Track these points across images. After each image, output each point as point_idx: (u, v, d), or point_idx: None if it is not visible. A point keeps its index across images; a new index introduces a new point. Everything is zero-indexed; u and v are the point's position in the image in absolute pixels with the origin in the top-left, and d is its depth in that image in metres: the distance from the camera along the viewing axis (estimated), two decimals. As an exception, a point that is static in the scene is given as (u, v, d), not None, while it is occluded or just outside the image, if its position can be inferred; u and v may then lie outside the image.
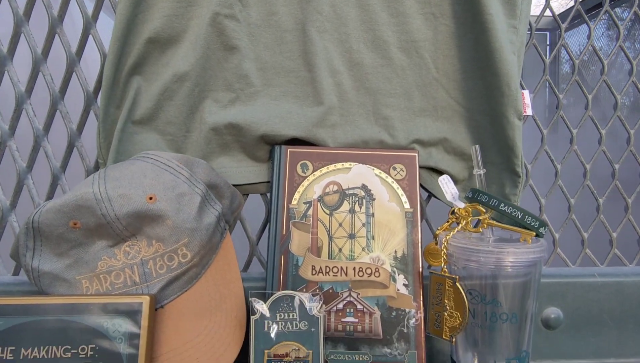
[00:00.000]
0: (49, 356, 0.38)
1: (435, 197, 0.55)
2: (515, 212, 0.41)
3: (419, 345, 0.46)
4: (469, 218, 0.45)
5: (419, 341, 0.46)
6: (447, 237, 0.44)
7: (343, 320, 0.47)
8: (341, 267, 0.48)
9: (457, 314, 0.43)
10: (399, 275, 0.48)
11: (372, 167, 0.51)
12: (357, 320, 0.47)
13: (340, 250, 0.49)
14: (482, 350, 0.43)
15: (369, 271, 0.48)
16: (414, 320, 0.47)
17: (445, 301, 0.44)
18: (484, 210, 0.45)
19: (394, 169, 0.51)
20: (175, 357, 0.42)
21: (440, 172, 0.54)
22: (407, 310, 0.47)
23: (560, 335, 0.53)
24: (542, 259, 0.42)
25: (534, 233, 0.42)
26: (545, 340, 0.52)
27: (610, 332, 0.53)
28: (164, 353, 0.42)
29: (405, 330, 0.46)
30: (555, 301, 0.53)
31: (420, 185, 0.54)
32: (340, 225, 0.49)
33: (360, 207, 0.50)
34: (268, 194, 0.54)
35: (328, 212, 0.50)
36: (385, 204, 0.50)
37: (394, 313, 0.47)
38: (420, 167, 0.53)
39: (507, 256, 0.40)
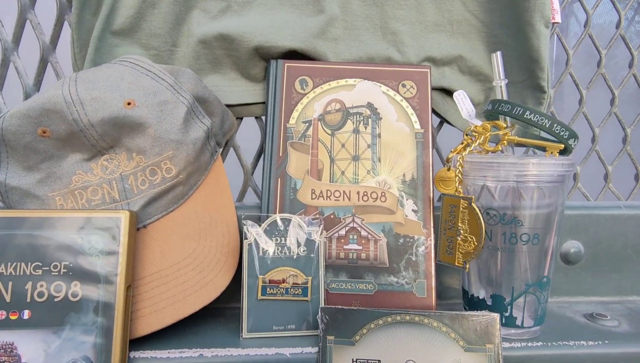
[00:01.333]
0: (17, 273, 0.34)
1: (448, 122, 0.50)
2: (542, 120, 0.36)
3: (428, 274, 0.42)
4: (488, 134, 0.40)
5: (429, 270, 0.42)
6: (463, 154, 0.40)
7: (345, 247, 0.43)
8: (344, 191, 0.44)
9: (471, 238, 0.39)
10: (407, 200, 0.43)
11: (379, 84, 0.46)
12: (360, 248, 0.43)
13: (342, 173, 0.44)
14: (499, 276, 0.39)
15: (374, 195, 0.43)
16: (423, 247, 0.43)
17: (459, 224, 0.40)
18: (505, 125, 0.40)
19: (404, 86, 0.46)
20: (160, 279, 0.38)
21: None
22: (416, 237, 0.43)
23: (580, 270, 0.49)
24: (570, 176, 0.37)
25: (562, 145, 0.37)
26: (564, 275, 0.49)
27: (634, 267, 0.49)
28: (147, 275, 0.38)
29: (413, 259, 0.42)
30: (575, 234, 0.49)
31: (432, 109, 0.49)
32: (343, 146, 0.45)
33: (366, 127, 0.45)
34: (263, 118, 0.49)
35: (330, 132, 0.45)
36: (393, 124, 0.45)
37: (401, 241, 0.43)
38: (433, 89, 0.48)
39: (532, 168, 0.36)
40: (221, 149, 0.46)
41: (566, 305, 0.47)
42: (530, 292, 0.38)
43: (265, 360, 0.36)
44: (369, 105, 0.45)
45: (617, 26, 0.53)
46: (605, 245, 0.49)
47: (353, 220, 0.43)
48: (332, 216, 0.43)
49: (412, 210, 0.43)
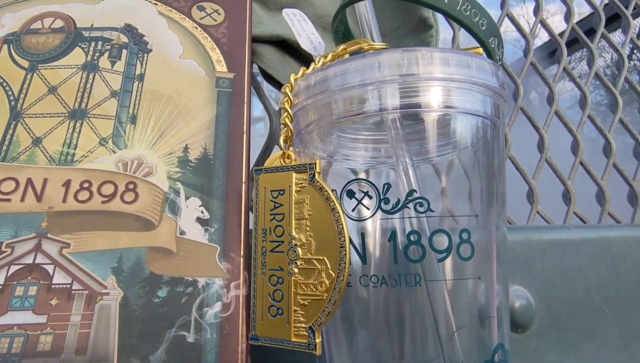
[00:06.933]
0: None
1: (268, 76, 0.29)
2: None
3: (227, 377, 0.16)
4: (348, 50, 0.20)
5: (231, 360, 0.17)
6: (295, 77, 0.19)
7: (1, 320, 0.15)
8: (28, 181, 0.18)
9: (321, 262, 0.16)
10: (188, 198, 0.19)
11: (154, 2, 0.25)
12: (42, 321, 0.16)
13: (36, 142, 0.19)
14: (389, 350, 0.15)
15: (108, 190, 0.19)
16: (218, 307, 0.17)
17: (293, 234, 0.16)
18: (372, 42, 0.21)
19: (201, 9, 0.26)
20: None
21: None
22: (203, 282, 0.18)
23: (536, 341, 0.27)
24: (503, 98, 0.18)
25: (479, 49, 0.18)
26: (514, 353, 0.26)
27: (609, 327, 0.29)
28: None
29: (189, 339, 0.17)
30: (516, 275, 0.28)
31: (265, 74, 0.29)
32: (52, 90, 0.21)
33: (113, 63, 0.22)
34: None
35: (27, 64, 0.21)
36: (174, 61, 0.23)
37: (162, 294, 0.17)
38: (261, 40, 0.28)
39: (427, 68, 0.15)
40: None
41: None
42: (472, 394, 0.15)
43: None
44: (127, 29, 0.23)
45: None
46: (562, 291, 0.29)
47: (38, 247, 0.17)
48: (-24, 238, 0.17)
49: (198, 219, 0.19)
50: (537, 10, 0.44)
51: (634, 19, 0.46)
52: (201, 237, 0.18)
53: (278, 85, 0.29)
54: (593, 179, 0.39)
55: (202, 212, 0.19)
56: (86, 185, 0.18)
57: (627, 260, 0.32)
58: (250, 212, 0.21)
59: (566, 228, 0.31)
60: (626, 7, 0.47)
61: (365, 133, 0.21)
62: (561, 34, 0.43)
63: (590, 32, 0.45)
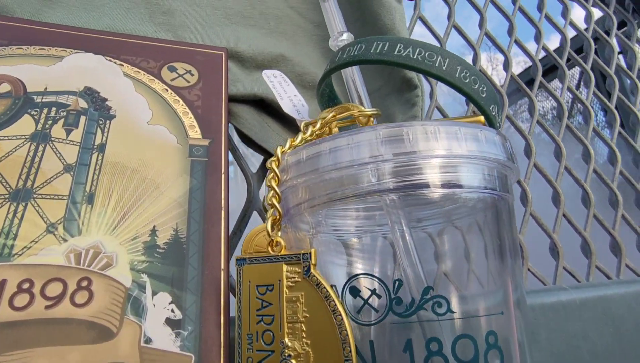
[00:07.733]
0: None
1: (267, 153, 0.28)
2: (431, 57, 0.16)
3: None
4: (329, 117, 0.18)
5: None
6: (282, 149, 0.16)
7: None
8: (-51, 285, 0.14)
9: (322, 379, 0.13)
10: (156, 294, 0.16)
11: (120, 62, 0.23)
12: None
13: (-35, 233, 0.16)
14: None
15: (54, 290, 0.15)
16: None
17: (286, 342, 0.14)
18: (362, 109, 0.19)
19: (172, 69, 0.23)
20: None
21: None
22: (173, 404, 0.14)
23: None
24: (511, 169, 0.16)
25: (480, 117, 0.17)
26: None
27: (622, 399, 0.27)
28: None
29: None
30: (521, 346, 0.26)
31: (242, 135, 0.27)
32: (-11, 168, 0.17)
33: (69, 131, 0.19)
34: None
35: (-40, 137, 0.18)
36: (140, 128, 0.20)
37: None
38: (237, 99, 0.27)
39: (433, 143, 0.14)
40: None
41: None
42: None
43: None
44: (87, 92, 0.21)
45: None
46: (570, 360, 0.27)
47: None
48: None
49: (168, 321, 0.16)
50: (506, 65, 0.45)
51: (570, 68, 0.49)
52: (171, 344, 0.15)
53: (257, 147, 0.27)
54: (577, 230, 0.38)
55: (172, 310, 0.16)
56: (26, 285, 0.15)
57: (628, 321, 0.30)
58: (232, 295, 0.18)
59: (564, 289, 0.30)
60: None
61: (357, 204, 0.18)
62: (530, 86, 0.44)
63: (548, 71, 0.47)
